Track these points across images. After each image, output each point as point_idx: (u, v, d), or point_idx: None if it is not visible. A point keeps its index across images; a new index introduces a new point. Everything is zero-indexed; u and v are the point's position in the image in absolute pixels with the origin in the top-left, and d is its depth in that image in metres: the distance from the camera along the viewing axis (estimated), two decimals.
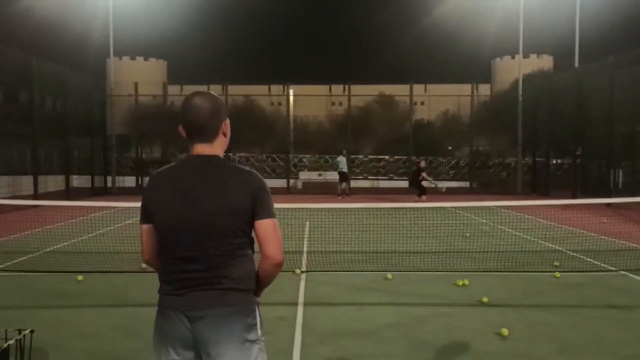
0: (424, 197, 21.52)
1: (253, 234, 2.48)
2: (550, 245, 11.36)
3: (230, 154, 32.57)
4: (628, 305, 6.91)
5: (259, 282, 2.57)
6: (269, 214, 2.44)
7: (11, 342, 3.22)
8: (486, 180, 32.59)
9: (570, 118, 25.18)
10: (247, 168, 2.52)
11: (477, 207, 17.40)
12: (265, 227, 2.42)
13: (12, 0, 46.19)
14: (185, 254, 2.40)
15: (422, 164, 22.59)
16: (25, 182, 21.67)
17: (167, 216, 2.40)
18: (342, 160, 25.54)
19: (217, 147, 2.50)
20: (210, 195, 2.38)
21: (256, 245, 2.52)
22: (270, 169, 35.27)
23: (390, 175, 34.71)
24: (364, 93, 42.35)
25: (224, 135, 2.52)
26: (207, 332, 2.37)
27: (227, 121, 2.53)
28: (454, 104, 40.94)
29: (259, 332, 2.48)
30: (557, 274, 8.47)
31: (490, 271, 8.85)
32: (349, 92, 32.15)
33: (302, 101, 43.40)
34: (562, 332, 5.86)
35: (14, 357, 3.22)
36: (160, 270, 2.50)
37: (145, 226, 2.49)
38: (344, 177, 25.42)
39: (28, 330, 3.38)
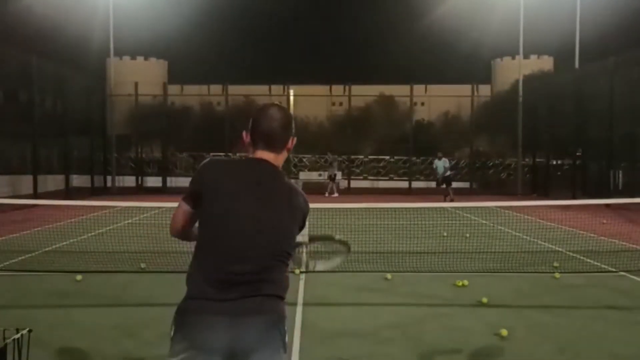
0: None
1: None
2: (550, 245, 11.35)
3: (231, 154, 32.57)
4: (627, 306, 6.91)
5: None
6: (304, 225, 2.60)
7: (9, 341, 3.21)
8: (486, 180, 32.59)
9: (571, 119, 25.19)
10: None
11: (477, 208, 17.40)
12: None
13: None
14: (239, 253, 2.34)
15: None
16: (25, 182, 21.67)
17: (233, 208, 2.36)
18: (334, 161, 27.33)
19: (281, 159, 2.55)
20: (281, 201, 2.44)
21: None
22: None
23: (391, 175, 34.69)
24: (364, 93, 42.31)
25: (288, 150, 2.58)
26: (249, 340, 2.30)
27: (294, 138, 2.59)
28: (454, 104, 40.91)
29: (286, 343, 2.48)
30: (557, 275, 8.46)
31: (490, 272, 8.84)
32: (349, 92, 32.15)
33: (303, 101, 43.40)
34: (562, 332, 5.85)
35: (12, 356, 3.22)
36: (198, 270, 2.38)
37: (188, 209, 2.45)
38: (334, 177, 26.99)
39: (26, 330, 3.37)
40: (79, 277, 8.08)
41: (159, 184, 30.25)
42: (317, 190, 26.40)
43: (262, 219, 2.37)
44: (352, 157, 32.85)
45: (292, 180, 2.59)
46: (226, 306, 2.31)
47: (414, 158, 31.80)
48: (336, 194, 26.09)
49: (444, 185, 23.18)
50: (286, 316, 2.48)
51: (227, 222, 2.36)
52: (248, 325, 2.31)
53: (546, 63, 66.69)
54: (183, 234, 2.52)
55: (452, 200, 21.09)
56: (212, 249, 2.37)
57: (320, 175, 27.50)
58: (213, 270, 2.35)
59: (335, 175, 27.32)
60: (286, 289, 2.49)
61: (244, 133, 2.55)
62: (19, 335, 3.30)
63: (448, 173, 23.22)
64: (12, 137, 22.87)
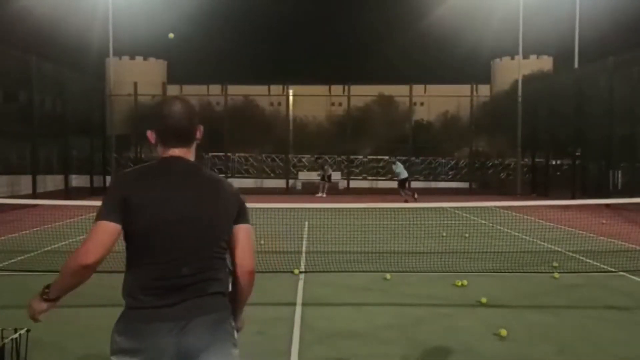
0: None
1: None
2: (550, 246, 11.35)
3: (230, 154, 32.56)
4: (627, 306, 6.90)
5: (238, 300, 2.50)
6: (248, 220, 2.48)
7: (7, 341, 3.20)
8: (485, 180, 32.60)
9: (570, 119, 25.18)
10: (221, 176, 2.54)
11: (476, 208, 17.40)
12: (244, 230, 2.43)
13: None
14: (177, 258, 2.27)
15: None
16: (24, 182, 21.66)
17: (159, 217, 2.26)
18: (325, 164, 27.82)
19: (193, 152, 2.49)
20: (209, 195, 2.37)
21: None
22: (269, 169, 35.26)
23: (390, 175, 34.69)
24: (364, 93, 42.37)
25: (197, 140, 2.51)
26: (197, 342, 2.25)
27: (201, 127, 2.52)
28: (453, 104, 40.98)
29: (236, 339, 2.46)
30: (556, 275, 8.46)
31: (489, 272, 8.84)
32: (349, 92, 32.16)
33: (302, 101, 43.38)
34: (561, 332, 5.85)
35: (10, 356, 3.21)
36: (134, 282, 2.30)
37: (114, 225, 2.24)
38: (326, 178, 26.97)
39: (24, 330, 3.37)
40: None
41: None
42: (316, 190, 26.43)
43: (194, 219, 2.30)
44: (352, 157, 32.83)
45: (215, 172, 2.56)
46: (170, 311, 2.25)
47: (413, 158, 31.80)
48: (321, 194, 25.88)
49: (404, 187, 23.44)
50: (230, 311, 2.44)
51: (159, 230, 2.26)
52: (195, 327, 2.26)
53: (545, 63, 66.76)
54: (98, 262, 2.28)
55: (413, 200, 21.35)
56: (147, 259, 2.28)
57: (319, 175, 27.44)
58: (152, 279, 2.27)
59: (330, 176, 27.11)
60: (227, 285, 2.44)
61: (148, 133, 2.46)
62: (17, 335, 3.29)
63: (405, 175, 23.72)
64: (12, 137, 22.88)
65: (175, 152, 2.42)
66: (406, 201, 21.27)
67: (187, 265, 2.29)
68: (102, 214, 2.27)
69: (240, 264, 2.42)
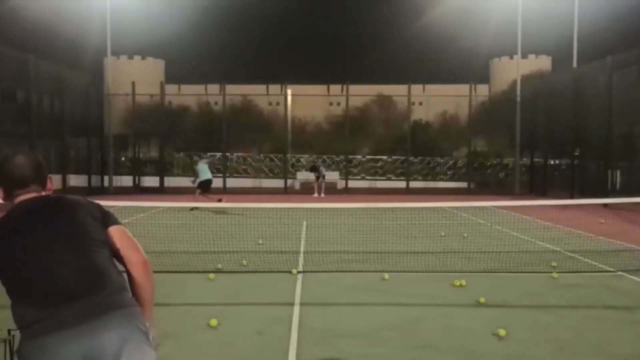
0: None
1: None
2: (548, 245, 11.34)
3: (228, 154, 32.53)
4: (625, 306, 6.89)
5: (141, 297, 2.49)
6: (117, 221, 2.58)
7: None
8: (484, 180, 32.61)
9: (568, 119, 25.20)
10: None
11: (475, 208, 17.39)
12: (116, 230, 2.52)
13: None
14: (62, 285, 2.27)
15: None
16: None
17: (27, 250, 2.32)
18: (319, 166, 27.45)
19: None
20: (68, 215, 2.44)
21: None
22: (267, 169, 35.26)
23: (388, 175, 34.71)
24: (362, 93, 42.36)
25: (49, 190, 2.60)
26: (107, 346, 2.19)
27: (51, 177, 2.63)
28: (452, 104, 41.04)
29: (151, 336, 2.40)
30: (555, 275, 8.44)
31: (488, 272, 8.82)
32: (347, 92, 32.13)
33: (300, 101, 43.42)
34: (560, 332, 5.83)
35: (3, 357, 3.18)
36: (25, 314, 2.30)
37: None
38: (320, 178, 26.65)
39: (18, 331, 3.33)
40: None
41: (156, 184, 30.22)
42: (312, 191, 26.38)
43: (62, 242, 2.35)
44: (350, 157, 32.82)
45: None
46: (71, 319, 2.22)
47: (411, 158, 31.81)
48: (316, 195, 25.61)
49: (208, 191, 18.85)
50: (137, 307, 2.41)
51: (31, 267, 2.30)
52: (101, 328, 2.22)
53: (544, 63, 66.82)
54: None
55: (219, 201, 17.66)
56: (30, 294, 2.30)
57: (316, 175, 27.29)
58: (35, 295, 2.29)
59: (323, 176, 26.65)
60: (124, 280, 2.45)
61: None
62: (10, 336, 3.26)
63: (208, 177, 18.71)
64: (9, 136, 22.83)
65: (30, 193, 2.50)
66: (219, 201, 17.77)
67: (74, 291, 2.27)
68: None
69: (128, 259, 2.48)
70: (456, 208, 17.88)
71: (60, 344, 2.19)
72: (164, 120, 31.58)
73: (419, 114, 49.60)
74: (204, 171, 18.44)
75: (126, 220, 13.91)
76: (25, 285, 2.32)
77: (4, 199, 2.53)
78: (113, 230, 2.51)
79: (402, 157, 32.66)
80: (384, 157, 35.25)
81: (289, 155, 33.05)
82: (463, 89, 34.62)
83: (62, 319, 2.22)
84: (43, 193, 2.54)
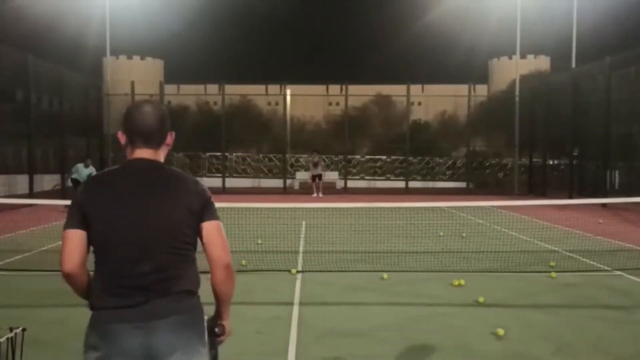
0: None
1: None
2: (547, 245, 11.36)
3: (227, 154, 32.53)
4: (624, 306, 6.91)
5: (219, 297, 2.53)
6: (216, 216, 2.47)
7: (2, 340, 3.19)
8: (483, 180, 32.61)
9: (567, 119, 25.21)
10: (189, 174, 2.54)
11: (474, 208, 17.42)
12: (211, 226, 2.43)
13: None
14: (135, 257, 2.30)
15: None
16: (21, 181, 21.59)
17: (118, 215, 2.32)
18: (319, 163, 26.90)
19: (160, 155, 2.50)
20: (167, 192, 2.37)
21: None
22: (267, 169, 35.23)
23: (387, 175, 34.70)
24: (361, 93, 42.34)
25: (167, 146, 2.53)
26: (162, 344, 2.27)
27: (173, 133, 2.55)
28: (451, 104, 41.01)
29: (206, 339, 2.44)
30: (553, 274, 8.47)
31: (487, 271, 8.84)
32: (346, 92, 32.10)
33: (299, 101, 43.43)
34: (558, 332, 5.85)
35: (6, 355, 3.20)
36: (98, 283, 2.34)
37: (78, 232, 2.32)
38: (318, 177, 26.05)
39: (20, 329, 3.36)
40: None
41: None
42: (311, 190, 26.35)
43: (150, 218, 2.32)
44: (349, 157, 32.83)
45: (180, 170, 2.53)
46: (133, 312, 2.27)
47: (410, 158, 31.82)
48: (315, 194, 25.13)
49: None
50: (202, 310, 2.44)
51: (116, 231, 2.31)
52: (160, 328, 2.27)
53: (543, 63, 66.85)
54: (82, 270, 2.35)
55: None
56: (107, 259, 2.33)
57: (314, 168, 26.89)
58: (114, 279, 2.31)
59: (321, 175, 25.95)
60: (198, 283, 2.44)
61: (119, 133, 2.49)
62: (12, 334, 3.28)
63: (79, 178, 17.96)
64: (8, 136, 22.81)
65: (142, 153, 2.44)
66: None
67: (144, 264, 2.30)
68: (66, 223, 2.36)
69: (213, 259, 2.42)
70: (455, 208, 17.91)
71: (122, 336, 2.25)
72: None
73: (418, 114, 49.56)
74: (81, 172, 18.21)
75: None
76: (107, 263, 2.34)
77: (124, 146, 2.49)
78: (207, 225, 2.42)
79: (401, 157, 32.63)
80: (383, 157, 35.21)
81: (288, 155, 33.03)
82: (462, 89, 34.64)
83: (128, 313, 2.27)
84: (161, 149, 2.49)
